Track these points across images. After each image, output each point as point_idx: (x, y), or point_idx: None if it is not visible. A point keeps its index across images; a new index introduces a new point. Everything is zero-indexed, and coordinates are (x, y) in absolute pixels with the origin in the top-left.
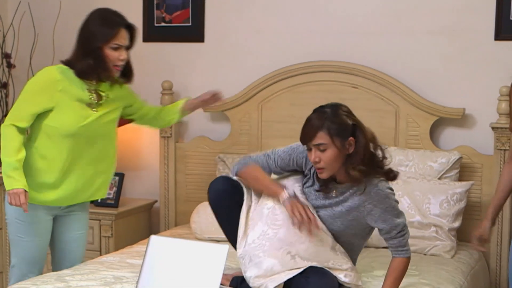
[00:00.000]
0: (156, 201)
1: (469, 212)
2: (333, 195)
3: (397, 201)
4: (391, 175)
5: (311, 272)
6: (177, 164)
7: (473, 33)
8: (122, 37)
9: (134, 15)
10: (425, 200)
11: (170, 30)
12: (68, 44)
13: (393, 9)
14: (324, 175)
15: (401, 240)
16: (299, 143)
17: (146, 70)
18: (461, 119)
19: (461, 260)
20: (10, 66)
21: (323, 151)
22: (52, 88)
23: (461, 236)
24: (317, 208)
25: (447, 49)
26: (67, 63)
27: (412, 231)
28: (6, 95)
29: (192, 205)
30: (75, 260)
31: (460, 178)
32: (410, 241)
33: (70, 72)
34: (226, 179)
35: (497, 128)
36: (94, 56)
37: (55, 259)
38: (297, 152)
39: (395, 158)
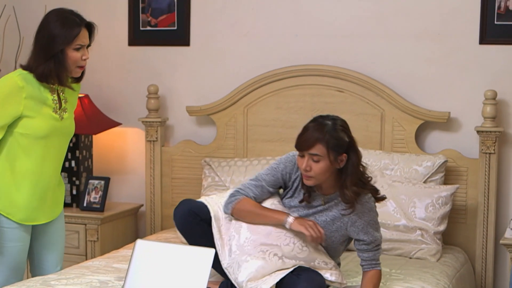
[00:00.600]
0: (142, 205)
1: (454, 216)
2: (316, 205)
3: (377, 215)
4: (380, 196)
5: (301, 270)
6: (163, 168)
7: (458, 37)
8: (84, 37)
9: (120, 19)
10: (410, 203)
11: (155, 34)
12: None
13: (378, 13)
14: (310, 183)
15: (376, 253)
16: (276, 161)
17: (132, 74)
18: (446, 123)
19: (447, 263)
20: None
21: (316, 161)
22: (17, 96)
23: (447, 239)
24: (304, 216)
25: (432, 52)
26: (26, 67)
27: (397, 235)
28: None
29: None
30: (54, 264)
31: (445, 182)
32: (396, 244)
33: (31, 77)
34: (188, 201)
35: (482, 131)
36: (56, 59)
37: (34, 264)
38: (280, 171)
39: (380, 161)
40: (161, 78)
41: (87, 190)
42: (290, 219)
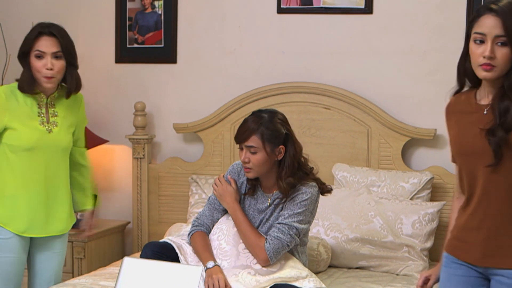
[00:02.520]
0: (129, 222)
1: (441, 232)
2: (264, 208)
3: (312, 209)
4: (326, 188)
5: (281, 286)
6: (150, 185)
7: (443, 53)
8: (44, 44)
9: (107, 36)
10: (397, 220)
11: (142, 51)
12: None
13: (363, 30)
14: (250, 175)
15: (284, 236)
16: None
17: (119, 91)
18: (433, 140)
19: None
20: None
21: (253, 153)
22: (1, 108)
23: (433, 256)
24: (259, 224)
25: (418, 70)
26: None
27: (384, 252)
28: None
29: (165, 226)
30: (50, 280)
31: (432, 199)
32: (382, 261)
33: (18, 92)
34: (151, 243)
35: None
36: (26, 68)
37: (31, 279)
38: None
39: (367, 178)
40: (148, 95)
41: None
42: (207, 267)
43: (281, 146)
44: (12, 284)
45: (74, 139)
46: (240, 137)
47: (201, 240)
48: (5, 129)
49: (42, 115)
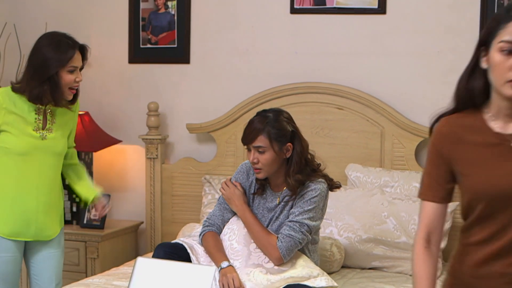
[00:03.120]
0: (142, 223)
1: (454, 233)
2: (274, 206)
3: (322, 205)
4: (335, 184)
5: (293, 286)
6: (163, 185)
7: (457, 54)
8: (77, 60)
9: (120, 37)
10: (410, 221)
11: (156, 52)
12: None
13: (376, 31)
14: (260, 175)
15: (295, 234)
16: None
17: (132, 91)
18: None
19: None
20: None
21: (261, 153)
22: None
23: (447, 257)
24: (269, 222)
25: (431, 70)
26: (18, 89)
27: (397, 252)
28: None
29: (178, 226)
30: (50, 280)
31: None
32: (396, 261)
33: (16, 96)
34: (163, 244)
35: None
36: (51, 82)
37: (31, 282)
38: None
39: (380, 179)
40: (161, 95)
41: (88, 207)
42: (221, 267)
43: (289, 144)
44: (9, 283)
45: (69, 141)
46: (247, 138)
47: (213, 240)
48: (0, 132)
49: (38, 121)
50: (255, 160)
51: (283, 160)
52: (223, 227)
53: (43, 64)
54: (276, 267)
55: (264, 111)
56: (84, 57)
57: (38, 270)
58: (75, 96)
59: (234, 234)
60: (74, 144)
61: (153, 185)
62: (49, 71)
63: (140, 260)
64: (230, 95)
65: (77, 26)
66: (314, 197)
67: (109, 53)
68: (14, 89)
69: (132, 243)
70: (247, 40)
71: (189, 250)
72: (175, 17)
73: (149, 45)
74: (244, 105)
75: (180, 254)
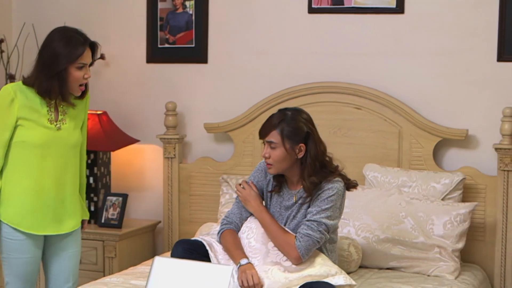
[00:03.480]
0: (159, 222)
1: (472, 233)
2: (290, 204)
3: (340, 204)
4: (352, 183)
5: (313, 284)
6: (181, 184)
7: (476, 54)
8: (87, 56)
9: (138, 37)
10: (428, 221)
11: (173, 52)
12: None
13: (394, 30)
14: (271, 171)
15: (313, 233)
16: (248, 179)
17: (150, 91)
18: (465, 140)
19: (465, 281)
20: None
21: (273, 148)
22: (10, 106)
23: (465, 257)
24: (286, 221)
25: (450, 70)
26: (28, 81)
27: (415, 252)
28: None
29: (195, 226)
30: (67, 280)
31: (463, 199)
32: (414, 262)
33: (27, 90)
34: (182, 241)
35: (501, 149)
36: (59, 77)
37: (48, 281)
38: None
39: (398, 179)
40: (179, 95)
41: (105, 206)
42: (240, 264)
43: (301, 144)
44: (29, 283)
45: (82, 134)
46: (262, 132)
47: (231, 238)
48: (16, 126)
49: (51, 113)
50: (267, 155)
51: (296, 160)
52: (241, 225)
53: (53, 59)
54: (294, 266)
55: (286, 108)
56: (94, 54)
57: (56, 270)
58: (84, 92)
59: (252, 232)
60: (85, 147)
61: (171, 185)
62: (58, 66)
63: (157, 259)
64: (247, 94)
65: (95, 26)
66: (331, 196)
67: (127, 53)
68: (24, 82)
69: (150, 243)
70: (265, 40)
71: (207, 248)
72: (193, 17)
73: (167, 45)
74: (261, 105)
75: (198, 251)
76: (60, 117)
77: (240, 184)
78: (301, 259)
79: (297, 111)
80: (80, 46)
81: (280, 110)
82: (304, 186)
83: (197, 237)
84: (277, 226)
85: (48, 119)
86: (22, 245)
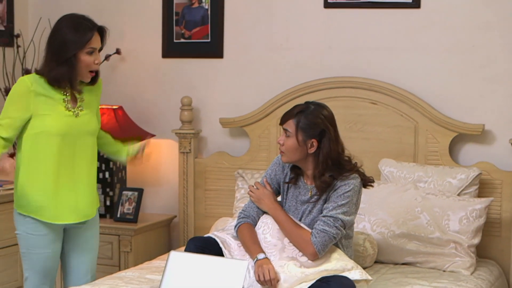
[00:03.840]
0: (175, 217)
1: (488, 229)
2: (306, 199)
3: (356, 200)
4: (368, 179)
5: (329, 277)
6: (196, 179)
7: (492, 49)
8: (96, 41)
9: (154, 31)
10: (444, 216)
11: (189, 46)
12: None
13: (411, 25)
14: (283, 159)
15: (329, 229)
16: (265, 173)
17: (166, 86)
18: (481, 135)
19: (481, 276)
20: None
21: (288, 137)
22: (26, 97)
23: (481, 252)
24: (302, 215)
25: (466, 64)
26: (40, 72)
27: (431, 248)
28: None
29: (211, 221)
30: (85, 275)
31: (479, 195)
32: (429, 257)
33: (41, 79)
34: (195, 239)
35: None
36: (69, 63)
37: (66, 276)
38: (269, 176)
39: (414, 174)
40: (194, 90)
41: (121, 201)
42: (257, 258)
43: (314, 140)
44: (48, 278)
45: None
46: (282, 119)
47: (249, 232)
48: (32, 118)
49: (67, 101)
50: (281, 142)
51: (308, 154)
52: (258, 219)
53: (61, 46)
54: (310, 261)
55: (311, 102)
56: (103, 39)
57: (75, 264)
58: (94, 79)
59: (268, 228)
60: (100, 123)
61: (186, 179)
62: (67, 53)
63: (173, 254)
64: (263, 89)
65: (111, 21)
66: (348, 191)
67: (143, 47)
68: (37, 72)
69: (165, 237)
70: (281, 35)
71: (221, 245)
72: (209, 12)
73: (182, 40)
74: (277, 100)
75: (211, 248)
76: (78, 104)
77: (253, 186)
78: (317, 255)
79: (320, 107)
80: (88, 32)
81: (305, 102)
82: (316, 184)
83: (211, 233)
84: (292, 222)
85: (65, 106)
86: (43, 240)
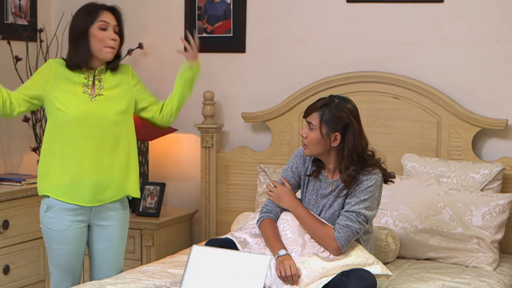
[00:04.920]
0: (197, 211)
1: (511, 224)
2: (327, 193)
3: (378, 195)
4: (390, 175)
5: (350, 270)
6: (218, 174)
7: None
8: (107, 17)
9: (176, 26)
10: (467, 211)
11: (211, 41)
12: None
13: (434, 19)
14: (306, 152)
15: (352, 224)
16: (287, 166)
17: None
18: (504, 130)
19: (504, 272)
20: None
21: (311, 129)
22: (46, 74)
23: (504, 248)
24: (322, 209)
25: (488, 59)
26: (65, 59)
27: (453, 243)
28: None
29: (233, 215)
30: (112, 269)
31: (502, 190)
32: (452, 252)
33: (65, 65)
34: (213, 241)
35: None
36: (82, 40)
37: (93, 269)
38: (290, 169)
39: (436, 169)
40: (217, 84)
41: (143, 195)
42: (279, 255)
43: (337, 133)
44: (70, 274)
45: (147, 102)
46: (306, 111)
47: (271, 228)
48: (51, 101)
49: (87, 86)
50: (304, 134)
51: (331, 148)
52: (281, 213)
53: (76, 29)
54: (331, 256)
55: (336, 95)
56: (118, 19)
57: (102, 260)
58: (115, 63)
59: (288, 224)
60: (156, 101)
61: (208, 174)
62: (80, 32)
63: (195, 248)
64: (285, 84)
65: (133, 16)
66: (370, 186)
67: (165, 42)
68: (63, 58)
69: (187, 232)
70: (303, 29)
71: (238, 246)
72: (231, 6)
73: (205, 34)
74: (299, 94)
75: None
76: (96, 91)
77: (271, 184)
78: (340, 250)
79: (344, 100)
80: (97, 9)
81: (330, 96)
82: (342, 178)
83: (229, 234)
84: (313, 218)
85: (83, 90)
86: (62, 236)
